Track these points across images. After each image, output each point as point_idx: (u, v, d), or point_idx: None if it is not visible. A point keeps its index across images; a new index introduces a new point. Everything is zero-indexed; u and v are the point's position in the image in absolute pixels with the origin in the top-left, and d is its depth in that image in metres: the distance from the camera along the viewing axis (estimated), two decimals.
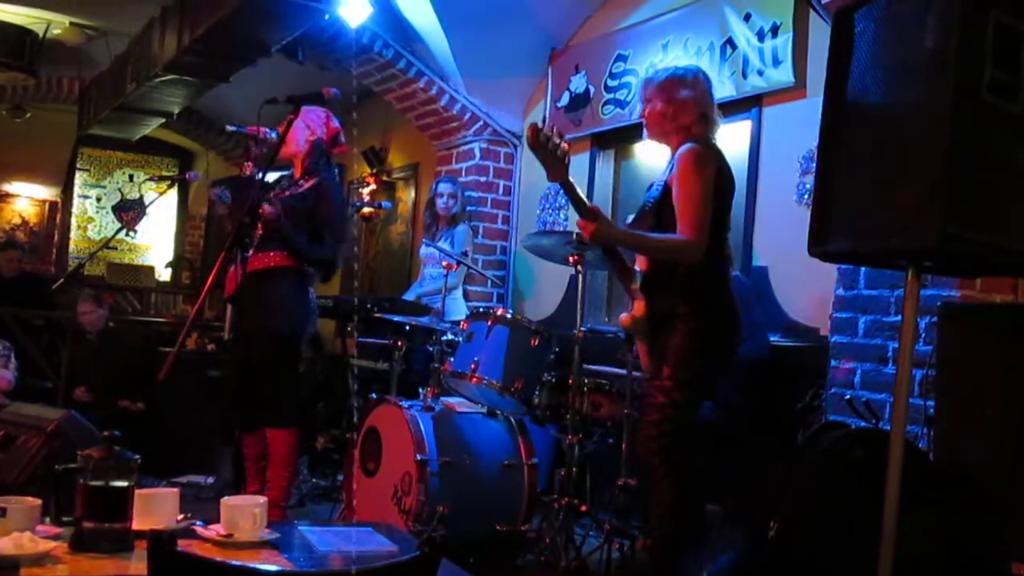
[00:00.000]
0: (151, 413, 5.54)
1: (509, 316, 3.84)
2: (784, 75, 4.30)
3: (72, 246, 10.26)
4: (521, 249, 5.96)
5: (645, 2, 5.28)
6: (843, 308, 3.70)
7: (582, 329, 3.68)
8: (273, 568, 1.74)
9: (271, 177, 4.12)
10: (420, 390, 4.06)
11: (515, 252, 6.19)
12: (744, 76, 4.48)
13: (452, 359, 3.90)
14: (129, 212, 10.72)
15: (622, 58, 5.26)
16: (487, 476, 3.82)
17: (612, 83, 5.32)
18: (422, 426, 3.73)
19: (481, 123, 6.07)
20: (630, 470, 3.75)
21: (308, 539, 2.00)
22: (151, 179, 10.30)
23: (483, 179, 6.16)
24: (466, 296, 5.85)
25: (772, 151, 4.48)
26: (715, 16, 4.64)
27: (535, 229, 5.66)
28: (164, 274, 10.46)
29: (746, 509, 3.05)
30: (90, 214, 10.79)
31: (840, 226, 2.15)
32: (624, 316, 3.06)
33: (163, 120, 7.88)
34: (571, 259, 3.74)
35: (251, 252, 3.77)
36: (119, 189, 10.95)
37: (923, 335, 3.30)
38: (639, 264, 3.11)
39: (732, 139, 4.69)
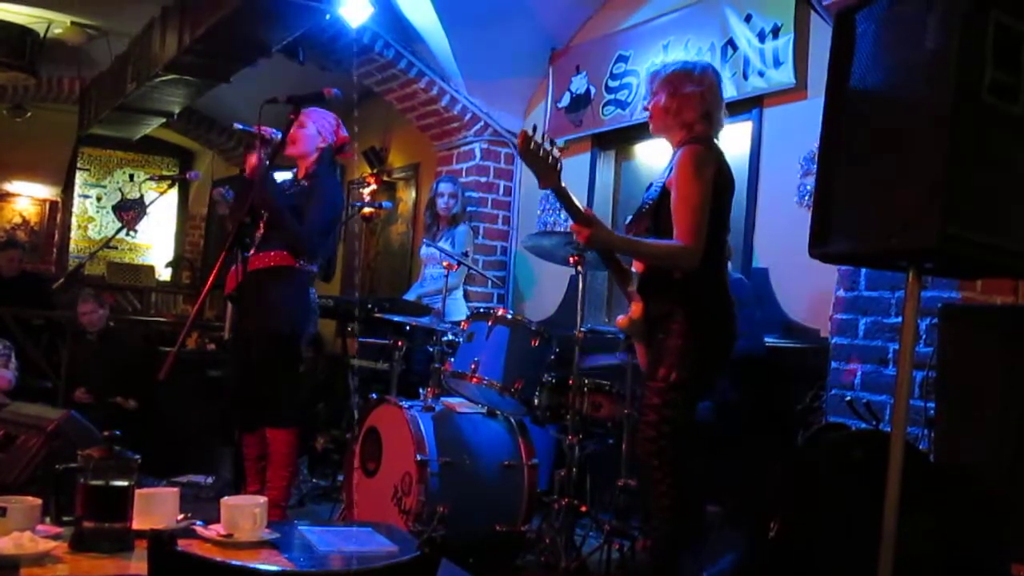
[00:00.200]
0: (151, 413, 5.54)
1: (509, 317, 3.84)
2: (785, 76, 4.30)
3: (72, 246, 10.27)
4: (521, 249, 5.96)
5: (646, 3, 5.28)
6: (843, 309, 3.70)
7: (582, 330, 3.68)
8: (273, 568, 1.74)
9: (278, 177, 4.14)
10: (420, 390, 4.06)
11: (515, 252, 6.19)
12: (745, 77, 4.48)
13: (452, 359, 3.90)
14: (129, 212, 10.72)
15: (623, 59, 5.26)
16: (487, 476, 3.82)
17: (613, 84, 5.33)
18: (422, 426, 3.73)
19: (482, 123, 6.07)
20: (630, 471, 3.75)
21: (308, 539, 2.00)
22: (151, 179, 10.31)
23: (483, 179, 6.16)
24: (467, 296, 5.85)
25: (773, 152, 4.48)
26: (716, 17, 4.64)
27: (535, 230, 5.66)
28: (164, 274, 10.46)
29: (746, 509, 3.05)
30: (90, 214, 10.80)
31: (841, 227, 2.15)
32: (621, 318, 3.05)
33: (163, 120, 7.89)
34: (571, 260, 3.74)
35: (252, 252, 3.77)
36: (119, 189, 10.95)
37: (923, 336, 3.30)
38: (635, 266, 3.10)
39: (733, 140, 4.68)
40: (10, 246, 7.24)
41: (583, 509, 3.69)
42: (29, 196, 10.06)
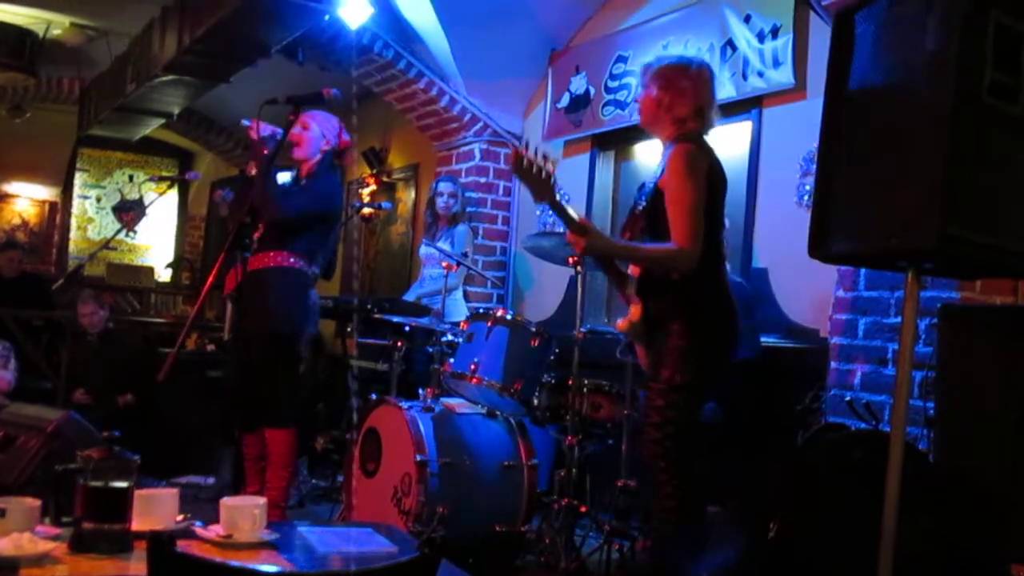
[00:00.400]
0: (151, 414, 5.54)
1: (509, 317, 3.84)
2: (784, 76, 4.30)
3: (72, 246, 10.27)
4: (521, 250, 5.95)
5: (645, 3, 5.28)
6: (843, 310, 3.70)
7: (582, 330, 3.68)
8: (272, 569, 1.74)
9: (279, 178, 4.14)
10: (420, 391, 4.06)
11: (515, 253, 6.19)
12: (744, 77, 4.48)
13: (452, 360, 3.90)
14: (129, 212, 10.71)
15: (622, 59, 5.26)
16: (487, 477, 3.82)
17: (612, 84, 5.32)
18: (422, 427, 3.73)
19: (481, 124, 6.07)
20: (630, 471, 3.75)
21: (308, 540, 2.00)
22: (151, 179, 10.29)
23: (483, 180, 6.16)
24: (466, 297, 5.85)
25: (772, 153, 4.48)
26: (715, 17, 4.64)
27: (535, 230, 5.66)
28: (164, 275, 10.46)
29: (746, 509, 3.05)
30: (90, 214, 10.80)
31: (840, 228, 2.15)
32: (621, 321, 3.04)
33: (163, 120, 7.88)
34: (571, 260, 3.74)
35: (251, 252, 3.77)
36: (119, 189, 10.95)
37: (923, 337, 3.30)
38: (632, 269, 3.07)
39: (732, 140, 4.70)
40: (10, 247, 7.24)
41: (583, 509, 3.69)
42: (28, 197, 10.06)
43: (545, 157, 2.88)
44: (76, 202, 10.48)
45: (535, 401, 3.74)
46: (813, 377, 3.83)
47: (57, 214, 10.14)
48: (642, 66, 3.11)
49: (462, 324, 3.99)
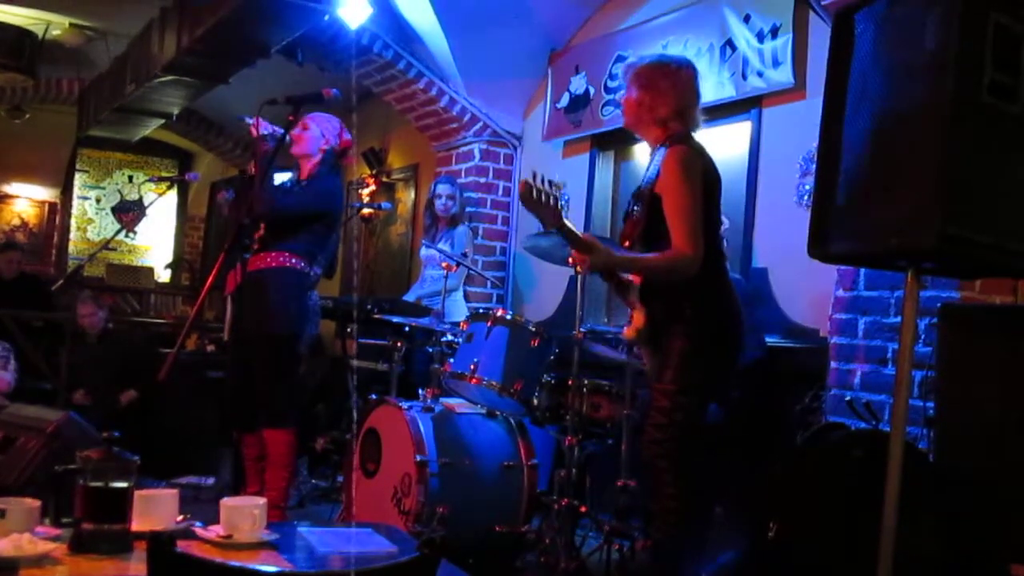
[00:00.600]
0: (150, 414, 5.54)
1: (509, 317, 3.84)
2: (784, 76, 4.30)
3: (71, 247, 10.27)
4: (521, 250, 5.95)
5: (645, 3, 5.28)
6: (843, 309, 3.70)
7: (582, 330, 3.68)
8: (272, 569, 1.74)
9: (278, 178, 4.14)
10: (420, 391, 4.06)
11: (515, 253, 6.19)
12: (744, 77, 4.48)
13: (452, 360, 3.90)
14: (129, 213, 10.72)
15: (622, 59, 5.25)
16: (487, 477, 3.82)
17: (612, 84, 5.32)
18: (422, 427, 3.73)
19: (481, 124, 6.07)
20: (630, 471, 3.75)
21: (307, 540, 2.00)
22: (151, 180, 10.30)
23: (483, 180, 6.16)
24: (466, 297, 5.85)
25: (772, 152, 4.48)
26: (715, 17, 4.64)
27: (535, 230, 5.65)
28: (164, 275, 10.46)
29: (746, 509, 3.05)
30: (89, 215, 10.79)
31: (840, 227, 2.15)
32: (627, 329, 3.02)
33: (163, 121, 7.88)
34: (571, 260, 3.73)
35: (251, 253, 3.77)
36: (119, 190, 10.95)
37: (923, 336, 3.30)
38: (634, 276, 3.06)
39: (732, 140, 4.70)
40: (9, 248, 7.24)
41: (583, 509, 3.69)
42: (28, 198, 10.06)
43: (551, 183, 2.86)
44: (76, 203, 10.49)
45: (535, 401, 3.74)
46: (813, 377, 3.83)
47: (57, 215, 10.14)
48: (624, 66, 3.09)
49: (462, 324, 3.99)
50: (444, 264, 4.54)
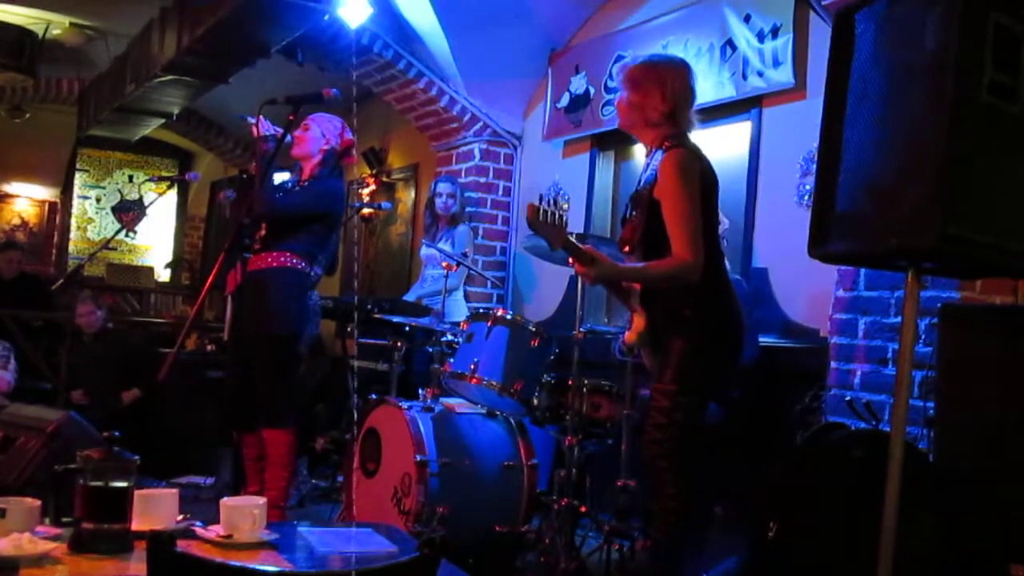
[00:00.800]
0: (150, 414, 5.54)
1: (509, 317, 3.84)
2: (784, 76, 4.30)
3: (71, 247, 10.27)
4: (521, 250, 5.95)
5: (645, 3, 5.28)
6: (843, 309, 3.70)
7: (582, 330, 3.68)
8: (272, 569, 1.74)
9: (278, 178, 4.13)
10: (420, 391, 4.06)
11: (515, 253, 6.19)
12: (744, 77, 4.48)
13: (452, 360, 3.90)
14: (129, 213, 10.72)
15: (622, 59, 5.25)
16: (487, 477, 3.82)
17: (612, 84, 5.32)
18: (422, 427, 3.73)
19: (481, 124, 6.07)
20: (630, 471, 3.75)
21: (307, 540, 2.00)
22: (151, 180, 10.30)
23: (483, 180, 6.15)
24: (466, 297, 5.85)
25: (772, 152, 4.48)
26: (715, 17, 4.64)
27: None
28: (163, 275, 10.46)
29: (746, 509, 3.05)
30: (90, 215, 10.79)
31: (840, 227, 2.15)
32: (628, 334, 3.01)
33: (163, 121, 7.88)
34: (571, 260, 3.73)
35: (252, 253, 3.76)
36: (119, 190, 10.95)
37: (923, 336, 3.30)
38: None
39: (732, 140, 4.70)
40: (9, 247, 7.24)
41: (583, 509, 3.69)
42: (28, 197, 10.06)
43: (555, 202, 2.87)
44: (76, 202, 10.48)
45: (535, 401, 3.74)
46: (813, 377, 3.83)
47: (57, 214, 10.14)
48: (618, 67, 3.08)
49: (462, 324, 3.99)
50: (444, 264, 4.54)
